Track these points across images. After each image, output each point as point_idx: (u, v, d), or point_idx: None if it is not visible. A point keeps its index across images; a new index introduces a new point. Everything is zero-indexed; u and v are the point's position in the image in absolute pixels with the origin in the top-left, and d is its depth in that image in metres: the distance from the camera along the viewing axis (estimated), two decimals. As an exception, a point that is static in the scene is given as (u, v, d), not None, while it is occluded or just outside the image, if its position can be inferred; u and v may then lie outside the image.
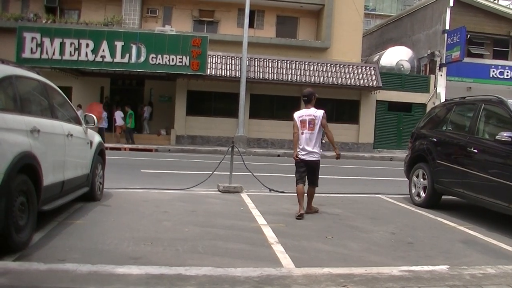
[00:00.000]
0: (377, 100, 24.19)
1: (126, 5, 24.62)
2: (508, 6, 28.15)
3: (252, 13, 22.75)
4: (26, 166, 4.35)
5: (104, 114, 21.26)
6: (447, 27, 24.32)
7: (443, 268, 4.25)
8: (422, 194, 8.02)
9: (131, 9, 24.72)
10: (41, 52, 19.81)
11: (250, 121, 22.30)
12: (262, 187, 8.95)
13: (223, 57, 22.26)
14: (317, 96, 7.29)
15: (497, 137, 6.29)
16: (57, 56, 19.88)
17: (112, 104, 23.56)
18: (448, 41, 24.08)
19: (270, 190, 8.83)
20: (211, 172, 9.16)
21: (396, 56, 25.55)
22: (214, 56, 21.98)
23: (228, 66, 22.17)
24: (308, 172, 6.88)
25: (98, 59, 20.05)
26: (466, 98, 8.10)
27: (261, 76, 22.13)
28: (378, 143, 24.37)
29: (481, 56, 25.95)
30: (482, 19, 25.20)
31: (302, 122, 6.87)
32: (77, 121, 6.47)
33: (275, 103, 23.09)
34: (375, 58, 26.63)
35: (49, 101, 5.62)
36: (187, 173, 12.17)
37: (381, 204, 8.33)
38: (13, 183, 4.08)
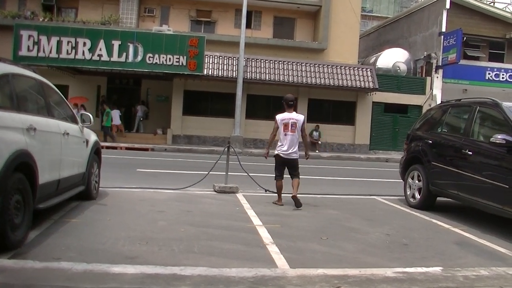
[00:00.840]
0: (373, 102, 24.24)
1: (123, 4, 24.60)
2: (504, 8, 28.24)
3: (249, 13, 22.78)
4: (22, 164, 4.35)
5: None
6: (444, 29, 24.41)
7: (436, 269, 4.28)
8: (417, 196, 8.05)
9: (129, 8, 24.70)
10: (38, 50, 19.77)
11: (247, 121, 22.31)
12: (257, 188, 8.96)
13: (220, 58, 22.28)
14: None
15: (491, 139, 6.31)
16: (54, 54, 19.85)
17: (108, 103, 23.52)
18: (445, 43, 24.17)
19: (266, 190, 8.84)
20: (207, 172, 9.15)
21: (393, 57, 25.62)
22: (211, 56, 21.99)
23: (225, 66, 22.19)
24: (289, 168, 7.64)
25: (95, 58, 20.02)
26: (461, 100, 8.13)
27: (258, 77, 22.15)
28: (374, 145, 24.43)
29: (477, 58, 26.06)
30: (478, 22, 25.31)
31: (285, 125, 7.51)
32: (73, 120, 6.47)
33: (271, 103, 23.06)
34: (372, 60, 26.69)
35: (45, 99, 5.61)
36: (183, 172, 12.17)
37: (377, 205, 8.35)
38: (9, 181, 4.07)
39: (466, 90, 24.66)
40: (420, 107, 24.36)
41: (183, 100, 22.84)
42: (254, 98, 22.88)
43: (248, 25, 23.32)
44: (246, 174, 9.32)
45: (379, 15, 44.02)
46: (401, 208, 8.04)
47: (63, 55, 19.91)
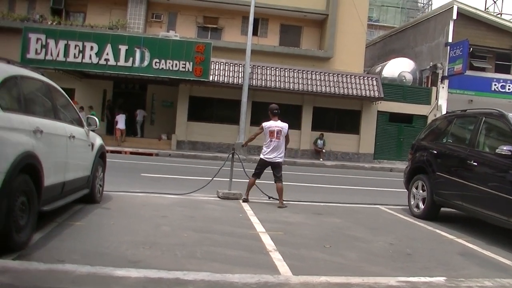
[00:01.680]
0: (378, 111, 24.21)
1: (131, 9, 24.73)
2: (511, 20, 28.18)
3: (256, 21, 22.84)
4: (28, 166, 4.37)
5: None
6: (450, 40, 24.39)
7: (440, 279, 4.26)
8: (421, 206, 8.02)
9: (136, 13, 24.83)
10: (46, 53, 19.87)
11: (252, 128, 22.25)
12: (261, 195, 8.94)
13: (226, 64, 22.32)
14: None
15: (497, 150, 6.30)
16: (61, 57, 19.95)
17: (114, 107, 23.62)
18: (451, 54, 24.14)
19: (269, 197, 8.83)
20: (211, 178, 9.16)
21: (399, 67, 25.60)
22: (217, 63, 22.04)
23: (231, 73, 22.22)
24: (273, 169, 8.29)
25: (102, 62, 20.10)
26: (467, 111, 8.12)
27: (263, 84, 22.18)
28: (378, 154, 24.37)
29: (483, 69, 26.01)
30: (485, 33, 25.28)
31: (271, 132, 8.25)
32: (79, 123, 6.50)
33: (276, 111, 23.08)
34: (378, 69, 26.69)
35: (52, 102, 5.65)
36: (187, 178, 12.18)
37: (380, 214, 8.33)
38: (15, 182, 4.09)
39: (472, 101, 24.59)
40: (425, 117, 24.31)
41: (188, 106, 22.88)
42: (259, 105, 22.85)
43: (255, 33, 23.38)
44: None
45: (386, 24, 43.98)
46: (405, 218, 8.02)
47: (70, 58, 20.00)
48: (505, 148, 6.16)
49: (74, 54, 20.00)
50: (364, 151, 24.05)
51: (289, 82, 22.38)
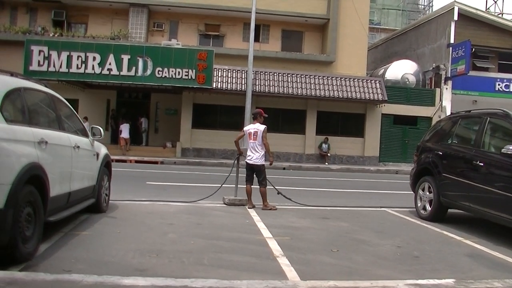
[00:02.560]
0: (382, 114, 24.18)
1: (132, 19, 24.85)
2: (512, 20, 28.13)
3: (257, 27, 22.87)
4: (33, 177, 4.38)
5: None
6: (452, 41, 24.37)
7: (449, 281, 4.23)
8: (428, 208, 7.98)
9: (138, 23, 24.94)
10: (49, 65, 19.97)
11: (256, 134, 22.29)
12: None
13: (229, 71, 22.37)
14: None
15: (502, 150, 6.27)
16: (64, 69, 20.04)
17: (118, 116, 23.69)
18: (453, 55, 24.12)
19: (278, 193, 8.97)
20: (216, 185, 9.16)
21: (401, 69, 25.59)
22: (220, 70, 22.10)
23: (234, 79, 22.27)
24: (255, 174, 8.52)
25: (105, 72, 20.18)
26: (471, 111, 8.09)
27: (266, 90, 22.21)
28: (383, 157, 24.33)
29: (486, 69, 25.95)
30: (487, 33, 25.25)
31: (249, 134, 8.62)
32: (83, 133, 6.52)
33: (280, 116, 23.12)
34: (380, 72, 26.68)
35: (56, 113, 5.66)
36: (193, 185, 12.18)
37: (387, 217, 8.30)
38: (20, 193, 4.10)
39: (476, 101, 24.52)
40: (429, 119, 24.27)
41: (192, 113, 22.92)
42: (263, 110, 22.88)
43: (257, 39, 23.41)
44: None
45: (387, 27, 44.06)
46: (412, 220, 7.98)
47: (73, 69, 20.09)
48: (511, 147, 6.13)
49: (77, 65, 20.09)
50: (369, 154, 24.00)
51: (292, 87, 22.40)
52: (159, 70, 20.39)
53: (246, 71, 21.10)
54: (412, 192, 8.75)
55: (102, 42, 22.05)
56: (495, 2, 33.50)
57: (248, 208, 8.37)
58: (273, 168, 19.78)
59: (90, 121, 19.52)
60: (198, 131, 22.87)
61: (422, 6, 47.18)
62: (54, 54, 20.02)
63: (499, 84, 25.20)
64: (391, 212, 8.73)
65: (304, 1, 25.00)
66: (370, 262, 5.09)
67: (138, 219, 6.73)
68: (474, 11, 25.03)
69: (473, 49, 23.97)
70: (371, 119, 24.07)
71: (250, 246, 5.52)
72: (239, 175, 8.98)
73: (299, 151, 23.40)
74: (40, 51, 19.98)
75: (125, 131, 21.94)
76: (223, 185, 9.13)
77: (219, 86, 21.83)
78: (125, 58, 20.23)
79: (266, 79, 22.48)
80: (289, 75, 22.70)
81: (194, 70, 20.54)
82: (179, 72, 20.48)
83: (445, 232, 6.96)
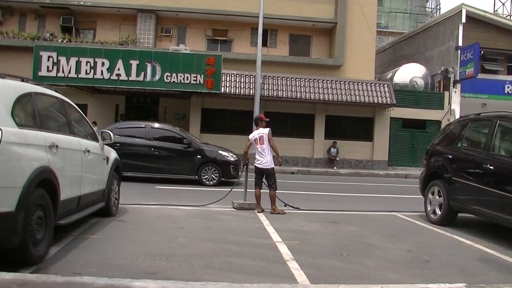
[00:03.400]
0: (391, 117, 24.09)
1: (140, 24, 24.96)
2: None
3: (265, 32, 22.90)
4: (44, 181, 4.42)
5: None
6: (460, 44, 24.26)
7: (460, 286, 4.20)
8: (438, 212, 7.94)
9: (146, 28, 25.05)
10: (57, 70, 20.07)
11: (264, 138, 22.29)
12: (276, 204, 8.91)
13: (237, 76, 22.39)
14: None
15: (513, 153, 6.23)
16: (73, 74, 20.12)
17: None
18: (462, 58, 23.99)
19: (285, 205, 8.89)
20: (225, 189, 9.16)
21: (410, 73, 25.50)
22: (228, 75, 22.13)
23: (242, 84, 22.28)
24: (266, 177, 8.60)
25: (114, 77, 20.26)
26: (481, 114, 8.05)
27: (275, 94, 22.19)
28: (392, 160, 24.21)
29: (495, 72, 25.78)
30: (495, 35, 25.10)
31: (255, 139, 8.69)
32: (93, 138, 6.55)
33: (289, 120, 23.10)
34: (389, 75, 26.61)
35: (66, 117, 5.71)
36: (202, 189, 12.19)
37: (397, 221, 8.26)
38: (31, 197, 4.14)
39: (485, 104, 24.36)
40: (438, 122, 24.13)
41: (200, 118, 22.96)
42: (271, 115, 22.70)
43: (264, 43, 23.43)
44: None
45: (395, 30, 43.96)
46: (422, 224, 7.94)
47: (82, 74, 20.17)
48: (521, 150, 6.09)
49: (86, 70, 20.18)
50: (378, 158, 23.90)
51: (300, 91, 22.38)
52: (167, 75, 20.44)
53: (254, 75, 21.11)
54: (422, 196, 8.71)
55: (110, 47, 22.16)
56: (503, 4, 33.31)
57: (257, 212, 8.37)
58: (282, 172, 19.83)
59: (99, 126, 19.59)
60: (206, 135, 22.82)
61: (430, 9, 47.08)
62: (63, 59, 20.13)
63: (508, 87, 25.03)
64: (401, 216, 8.70)
65: (312, 5, 25.01)
66: (380, 266, 5.07)
67: (147, 223, 6.75)
68: (482, 13, 24.90)
69: (482, 52, 23.82)
70: (380, 123, 23.98)
71: (260, 250, 5.52)
72: (248, 179, 8.99)
73: (307, 156, 23.35)
74: (49, 57, 20.10)
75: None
76: (232, 190, 9.14)
77: (227, 91, 21.86)
78: (134, 63, 20.30)
79: (274, 83, 22.48)
80: (297, 79, 22.69)
81: (202, 75, 20.58)
82: (187, 77, 20.52)
83: (455, 236, 6.92)
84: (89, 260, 4.64)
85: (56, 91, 5.70)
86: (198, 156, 13.27)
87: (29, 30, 24.60)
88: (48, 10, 24.90)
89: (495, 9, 32.63)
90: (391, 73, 26.52)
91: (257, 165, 8.61)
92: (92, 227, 6.21)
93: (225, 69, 21.52)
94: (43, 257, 4.43)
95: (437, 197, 7.98)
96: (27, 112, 4.69)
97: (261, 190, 8.61)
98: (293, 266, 4.86)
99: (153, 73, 20.35)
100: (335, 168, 22.34)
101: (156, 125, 14.31)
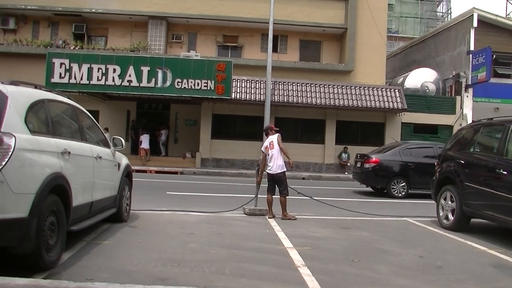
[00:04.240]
0: (402, 122, 23.96)
1: (151, 31, 25.13)
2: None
3: (275, 37, 22.93)
4: (57, 187, 4.45)
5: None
6: (472, 48, 24.09)
7: (474, 291, 4.16)
8: (451, 217, 7.87)
9: (157, 35, 25.21)
10: (70, 77, 20.27)
11: (275, 143, 22.25)
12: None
13: (248, 81, 22.44)
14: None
15: (527, 158, 6.17)
16: (85, 80, 20.32)
17: (138, 127, 23.91)
18: (473, 62, 23.82)
19: (298, 193, 9.30)
20: (236, 195, 9.18)
21: (421, 77, 25.36)
22: (238, 80, 22.18)
23: (252, 90, 22.32)
24: (277, 184, 8.64)
25: (125, 83, 20.40)
26: (493, 119, 7.98)
27: (285, 100, 22.19)
28: (404, 166, 24.01)
29: (508, 76, 25.56)
30: (507, 39, 24.89)
31: (266, 147, 8.79)
32: (105, 144, 6.59)
33: (299, 126, 23.09)
34: (400, 80, 26.49)
35: (78, 124, 5.75)
36: (213, 195, 12.20)
37: (409, 227, 8.21)
38: (44, 203, 4.17)
39: (497, 108, 24.16)
40: (450, 127, 23.95)
41: (211, 124, 23.02)
42: (282, 120, 22.88)
43: (275, 49, 23.45)
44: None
45: (405, 35, 43.78)
46: (434, 230, 7.88)
47: (94, 81, 20.34)
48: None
49: (97, 77, 20.35)
50: (389, 164, 23.73)
51: (310, 96, 22.36)
52: (178, 81, 20.54)
53: (265, 81, 21.11)
54: (434, 202, 8.65)
55: (122, 54, 22.33)
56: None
57: (269, 218, 8.37)
58: (293, 178, 19.78)
59: (110, 132, 19.72)
60: (217, 141, 22.95)
61: (441, 14, 46.84)
62: (75, 66, 20.32)
63: (521, 91, 24.80)
64: (413, 222, 8.64)
65: (322, 11, 25.02)
66: (392, 272, 5.04)
67: (159, 229, 6.77)
68: (494, 17, 24.73)
69: (494, 56, 23.66)
70: (391, 128, 23.87)
71: (271, 256, 5.51)
72: (260, 185, 8.99)
73: (318, 161, 23.29)
74: (61, 64, 20.31)
75: (145, 141, 22.15)
76: (239, 195, 9.16)
77: (238, 97, 21.91)
78: (145, 69, 20.44)
79: (285, 89, 22.48)
80: (307, 84, 22.68)
81: (213, 81, 20.65)
82: (198, 83, 20.61)
83: (468, 242, 6.86)
84: (101, 266, 4.66)
85: (68, 98, 5.75)
86: None
87: (42, 38, 24.90)
88: (61, 17, 25.18)
89: (507, 13, 32.39)
90: (402, 78, 26.41)
91: (268, 171, 8.65)
92: (104, 233, 6.23)
93: (235, 75, 21.58)
94: (55, 262, 4.46)
95: (450, 202, 7.92)
96: (40, 118, 4.73)
97: (273, 196, 8.61)
98: (305, 272, 4.84)
99: (164, 79, 20.47)
100: (346, 173, 22.24)
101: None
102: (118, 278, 4.21)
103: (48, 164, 4.40)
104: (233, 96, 21.43)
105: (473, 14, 23.98)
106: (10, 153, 3.82)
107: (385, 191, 13.92)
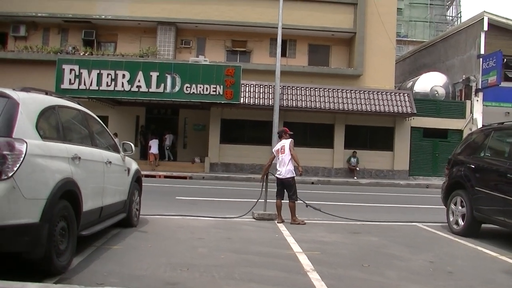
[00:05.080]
0: (411, 127, 23.87)
1: (160, 37, 25.27)
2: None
3: (284, 42, 22.96)
4: (67, 192, 4.48)
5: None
6: (482, 52, 23.97)
7: (485, 297, 4.12)
8: (461, 222, 7.81)
9: (166, 40, 25.34)
10: (79, 83, 20.42)
11: (284, 148, 22.23)
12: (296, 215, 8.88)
13: (256, 86, 22.47)
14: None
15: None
16: (94, 86, 20.46)
17: (147, 132, 24.00)
18: (484, 66, 23.69)
19: (307, 205, 9.04)
20: (244, 200, 9.18)
21: (430, 82, 25.27)
22: (247, 85, 22.21)
23: (261, 94, 22.35)
24: (285, 188, 8.60)
25: (134, 89, 20.51)
26: (504, 123, 7.93)
27: (294, 104, 22.20)
28: (413, 170, 23.95)
29: (519, 80, 25.38)
30: (519, 43, 24.76)
31: (277, 151, 8.80)
32: (115, 149, 6.63)
33: (308, 130, 23.07)
34: (409, 85, 26.41)
35: (88, 129, 5.80)
36: (222, 200, 12.22)
37: (418, 232, 8.16)
38: (55, 208, 4.20)
39: (508, 113, 24.01)
40: (460, 132, 23.83)
41: (220, 129, 23.07)
42: (290, 125, 22.59)
43: (283, 54, 23.47)
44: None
45: (414, 39, 43.65)
46: (444, 235, 7.83)
47: (103, 87, 20.48)
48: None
49: (107, 82, 20.49)
50: (398, 168, 23.68)
51: (319, 101, 22.35)
52: (187, 87, 20.61)
53: (274, 86, 21.17)
54: (444, 207, 8.59)
55: (131, 60, 22.48)
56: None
57: (278, 222, 8.36)
58: (302, 182, 19.75)
59: (120, 137, 19.82)
60: (226, 146, 22.99)
61: (450, 17, 46.66)
62: (84, 72, 20.48)
63: (532, 95, 24.60)
64: (423, 227, 8.59)
65: (330, 15, 25.03)
66: (402, 277, 5.01)
67: (168, 234, 6.78)
68: (504, 20, 24.60)
69: (505, 60, 23.51)
70: (400, 133, 23.78)
71: (281, 260, 5.50)
72: (269, 190, 8.99)
73: (327, 166, 23.25)
74: (71, 70, 20.47)
75: (154, 147, 22.23)
76: (248, 200, 9.15)
77: (246, 102, 21.94)
78: (154, 75, 20.54)
79: (294, 93, 22.49)
80: (316, 89, 22.67)
81: (221, 86, 20.70)
82: (207, 88, 20.67)
83: (479, 248, 6.80)
84: (111, 271, 4.68)
85: (78, 104, 5.80)
86: None
87: (52, 44, 25.13)
88: (71, 24, 25.41)
89: (517, 17, 32.18)
90: (412, 82, 26.33)
91: (277, 175, 8.67)
92: (114, 238, 6.26)
93: (244, 80, 21.62)
94: (66, 267, 4.49)
95: (460, 207, 7.87)
96: (51, 124, 4.77)
97: (282, 201, 8.61)
98: (314, 277, 4.83)
99: (173, 85, 20.56)
100: (355, 178, 22.19)
101: None
102: (128, 283, 4.23)
103: (59, 169, 4.43)
104: (242, 101, 21.47)
105: (483, 18, 23.91)
106: (21, 159, 3.86)
107: None
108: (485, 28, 23.88)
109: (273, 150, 9.02)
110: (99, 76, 20.48)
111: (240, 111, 22.43)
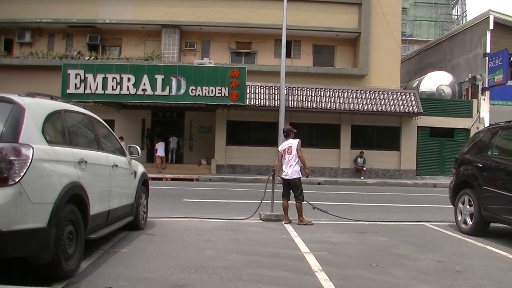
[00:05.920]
0: (418, 126, 23.80)
1: (164, 40, 25.33)
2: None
3: (288, 43, 22.97)
4: (74, 196, 4.49)
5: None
6: (488, 50, 23.86)
7: (495, 297, 4.10)
8: (469, 222, 7.77)
9: (170, 43, 25.41)
10: (85, 87, 20.49)
11: (290, 149, 22.21)
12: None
13: (262, 87, 22.49)
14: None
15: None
16: (100, 90, 20.53)
17: (153, 135, 24.06)
18: (490, 65, 23.59)
19: (314, 207, 8.98)
20: (252, 201, 9.17)
21: (436, 81, 25.18)
22: (252, 87, 22.23)
23: (266, 96, 22.36)
24: (292, 189, 8.57)
25: (139, 92, 20.56)
26: (511, 122, 7.88)
27: (299, 105, 22.19)
28: (420, 170, 23.86)
29: (525, 78, 25.24)
30: (525, 41, 24.62)
31: (284, 150, 8.68)
32: (121, 152, 6.64)
33: (314, 131, 23.06)
34: (415, 84, 26.32)
35: (95, 133, 5.81)
36: (229, 202, 12.23)
37: (426, 231, 8.12)
38: (63, 212, 4.21)
39: (515, 111, 23.88)
40: (467, 131, 23.72)
41: (226, 130, 23.10)
42: (296, 126, 22.44)
43: (288, 55, 23.48)
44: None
45: (420, 39, 43.49)
46: (452, 234, 7.79)
47: (109, 91, 20.55)
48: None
49: (112, 86, 20.55)
50: (405, 168, 23.61)
51: (325, 101, 22.33)
52: (192, 89, 20.64)
53: (279, 87, 21.17)
54: (452, 206, 8.55)
55: (136, 63, 22.56)
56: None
57: (285, 223, 8.34)
58: (308, 183, 19.71)
59: (126, 141, 19.86)
60: (232, 147, 23.00)
61: (456, 16, 46.48)
62: (90, 76, 20.55)
63: (539, 93, 24.46)
64: (431, 226, 8.55)
65: (335, 15, 25.01)
66: (411, 277, 4.98)
67: (176, 236, 6.79)
68: (510, 19, 24.48)
69: (511, 58, 23.40)
70: (407, 132, 23.71)
71: (288, 261, 5.49)
72: (275, 190, 8.98)
73: (334, 166, 23.22)
74: (76, 75, 20.55)
75: (160, 149, 22.29)
76: (254, 201, 9.14)
77: (252, 103, 21.96)
78: (159, 78, 20.59)
79: (299, 94, 22.48)
80: (321, 89, 22.65)
81: (227, 88, 20.71)
82: (212, 90, 20.68)
83: (488, 247, 6.75)
84: (119, 274, 4.68)
85: (84, 108, 5.82)
86: None
87: (57, 50, 25.28)
88: (75, 29, 25.53)
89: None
90: (417, 82, 26.24)
91: (283, 176, 8.62)
92: (121, 241, 6.27)
93: (249, 81, 21.64)
94: (74, 271, 4.49)
95: (468, 206, 7.82)
96: (57, 129, 4.79)
97: (288, 202, 8.59)
98: (322, 277, 4.82)
99: (178, 87, 20.59)
100: (362, 178, 22.14)
101: None
102: (136, 285, 4.24)
103: (66, 173, 4.44)
104: (247, 103, 21.49)
105: (489, 16, 23.82)
106: (28, 164, 3.87)
107: None
108: (491, 26, 23.78)
109: (280, 149, 8.91)
110: (105, 80, 20.54)
111: (246, 113, 22.44)
